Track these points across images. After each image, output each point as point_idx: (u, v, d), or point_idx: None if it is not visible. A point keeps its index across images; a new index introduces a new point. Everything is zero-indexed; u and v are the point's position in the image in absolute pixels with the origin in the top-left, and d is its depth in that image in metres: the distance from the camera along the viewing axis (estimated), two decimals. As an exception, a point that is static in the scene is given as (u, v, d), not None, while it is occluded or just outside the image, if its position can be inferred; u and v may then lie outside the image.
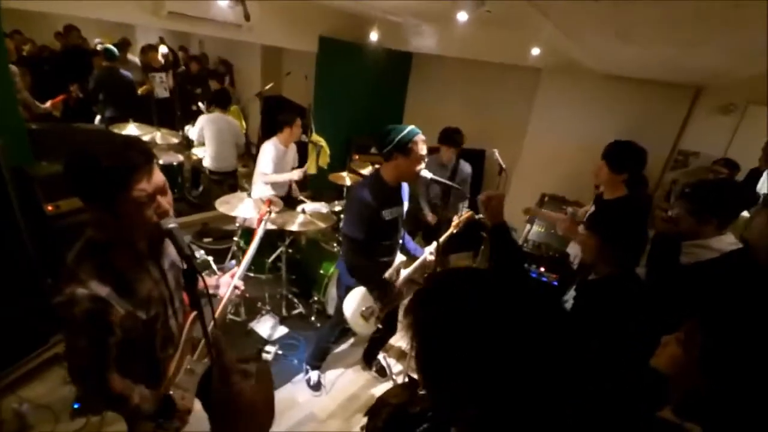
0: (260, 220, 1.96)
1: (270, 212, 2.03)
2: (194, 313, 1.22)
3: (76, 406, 2.32)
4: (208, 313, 1.21)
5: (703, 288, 1.72)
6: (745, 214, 2.63)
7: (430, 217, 3.78)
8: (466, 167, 3.82)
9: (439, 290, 0.72)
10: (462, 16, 2.86)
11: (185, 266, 1.16)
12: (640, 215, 1.69)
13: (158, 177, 1.18)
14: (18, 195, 2.38)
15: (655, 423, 1.19)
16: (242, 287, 1.71)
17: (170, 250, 1.40)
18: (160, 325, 1.34)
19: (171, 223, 1.19)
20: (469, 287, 0.68)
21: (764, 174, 3.10)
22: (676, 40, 2.42)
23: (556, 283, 3.19)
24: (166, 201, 1.20)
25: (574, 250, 2.65)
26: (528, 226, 3.93)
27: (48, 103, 4.46)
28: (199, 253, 3.32)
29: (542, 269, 3.54)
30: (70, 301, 1.08)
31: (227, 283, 1.68)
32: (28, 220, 2.47)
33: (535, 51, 3.82)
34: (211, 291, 1.67)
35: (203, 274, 1.18)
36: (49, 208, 2.62)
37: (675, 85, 3.89)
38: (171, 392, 1.38)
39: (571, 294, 1.80)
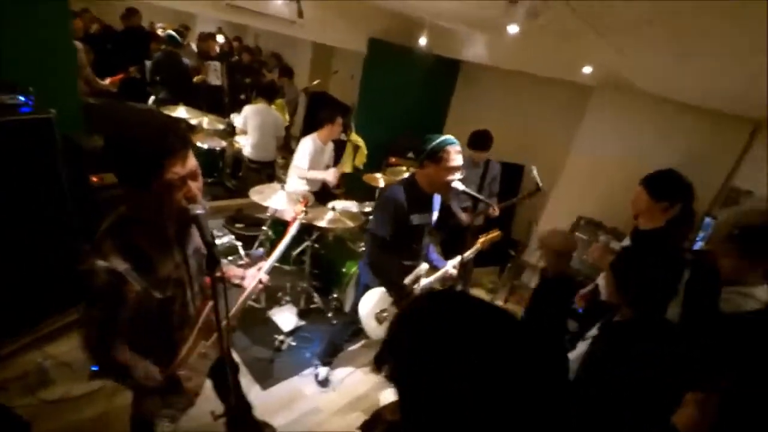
0: (294, 219, 1.96)
1: (305, 212, 2.04)
2: (211, 302, 1.25)
3: (94, 368, 2.42)
4: (223, 303, 1.24)
5: (743, 343, 1.58)
6: None
7: (464, 217, 3.78)
8: (495, 165, 3.96)
9: (414, 314, 0.72)
10: (513, 29, 2.81)
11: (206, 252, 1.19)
12: (666, 256, 1.53)
13: (192, 162, 1.21)
14: (67, 164, 2.52)
15: None
16: (266, 281, 1.73)
17: (196, 237, 1.43)
18: (177, 307, 1.38)
19: (198, 210, 1.22)
20: (444, 314, 0.67)
21: None
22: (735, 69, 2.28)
23: (581, 311, 3.06)
24: (196, 186, 1.23)
25: (603, 281, 2.53)
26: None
27: (107, 80, 4.71)
28: (228, 238, 3.41)
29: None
30: (90, 271, 1.13)
31: (253, 275, 1.71)
32: (74, 188, 2.61)
33: (587, 69, 3.70)
34: (236, 281, 1.71)
35: (230, 258, 1.21)
36: (95, 179, 2.77)
37: (732, 117, 3.63)
38: (180, 372, 1.42)
39: (592, 333, 1.70)
